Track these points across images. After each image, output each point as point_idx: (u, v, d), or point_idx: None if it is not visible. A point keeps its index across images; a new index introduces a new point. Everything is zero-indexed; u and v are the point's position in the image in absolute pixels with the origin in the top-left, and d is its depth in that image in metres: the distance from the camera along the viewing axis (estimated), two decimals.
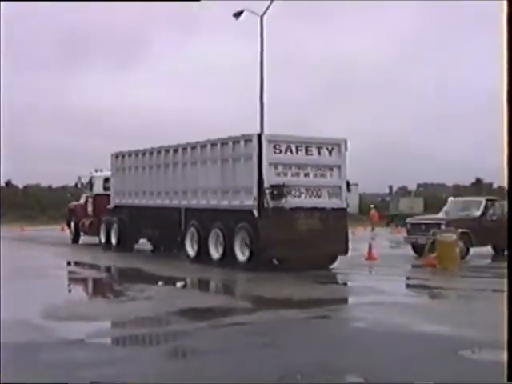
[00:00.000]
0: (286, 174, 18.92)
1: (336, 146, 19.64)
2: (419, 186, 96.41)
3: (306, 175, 19.26)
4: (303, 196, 19.11)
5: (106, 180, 29.01)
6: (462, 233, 21.77)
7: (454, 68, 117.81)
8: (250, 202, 18.72)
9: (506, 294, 3.20)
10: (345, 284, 18.31)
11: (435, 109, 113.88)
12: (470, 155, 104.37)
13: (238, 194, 19.35)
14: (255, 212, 18.52)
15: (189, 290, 15.94)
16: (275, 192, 18.41)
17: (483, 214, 24.88)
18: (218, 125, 75.64)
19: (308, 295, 14.18)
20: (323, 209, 19.24)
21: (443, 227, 22.47)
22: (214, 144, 20.61)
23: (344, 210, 19.77)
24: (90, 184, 30.71)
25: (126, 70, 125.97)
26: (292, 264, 18.87)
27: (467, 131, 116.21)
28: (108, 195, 27.69)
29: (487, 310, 12.60)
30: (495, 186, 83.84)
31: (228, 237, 19.50)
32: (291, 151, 19.06)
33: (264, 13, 32.38)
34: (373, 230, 41.85)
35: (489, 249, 25.68)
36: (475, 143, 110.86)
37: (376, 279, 18.37)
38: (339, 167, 19.67)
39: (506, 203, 25.88)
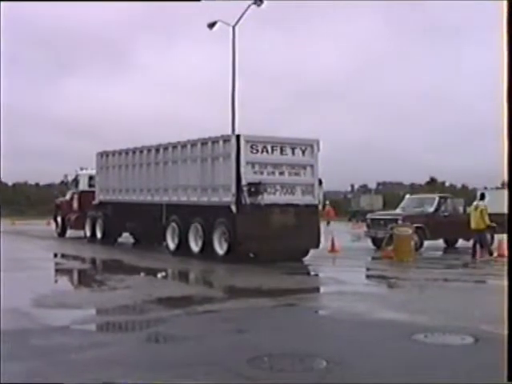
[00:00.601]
0: (262, 173, 18.82)
1: (309, 146, 19.56)
2: (379, 184, 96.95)
3: (281, 174, 19.16)
4: (278, 193, 19.01)
5: (91, 177, 28.72)
6: (416, 227, 21.96)
7: (413, 73, 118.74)
8: (228, 198, 18.57)
9: (506, 294, 3.20)
10: (310, 275, 18.30)
11: (394, 113, 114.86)
12: (425, 156, 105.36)
13: (217, 191, 19.20)
14: (233, 208, 18.37)
15: (166, 279, 15.90)
16: (252, 189, 18.30)
17: (436, 210, 25.07)
18: (194, 127, 75.67)
19: (277, 285, 14.21)
20: (297, 205, 19.13)
21: (400, 222, 22.61)
22: (194, 144, 20.46)
23: (316, 206, 19.69)
24: (76, 181, 30.47)
25: (110, 75, 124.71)
26: (267, 257, 18.75)
27: (423, 133, 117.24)
28: (93, 192, 27.39)
29: (439, 297, 12.75)
30: (447, 184, 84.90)
31: (207, 231, 19.37)
32: (267, 151, 18.96)
33: (236, 23, 32.36)
34: (328, 224, 41.87)
35: (441, 242, 25.95)
36: (430, 145, 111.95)
37: (338, 270, 18.37)
38: (312, 166, 19.61)
39: (457, 200, 26.14)
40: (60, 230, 31.43)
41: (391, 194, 73.60)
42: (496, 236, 24.93)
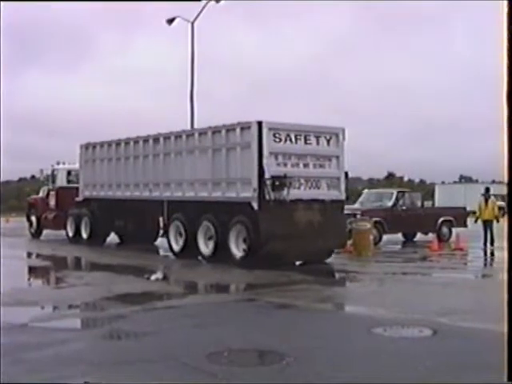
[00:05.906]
0: (286, 164, 16.63)
1: (334, 135, 17.47)
2: None
3: (306, 165, 17.02)
4: (302, 187, 16.86)
5: (69, 173, 26.96)
6: (375, 221, 21.96)
7: (374, 66, 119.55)
8: (248, 193, 16.26)
9: (506, 293, 3.22)
10: (269, 269, 18.27)
11: (353, 106, 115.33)
12: (383, 151, 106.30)
13: (233, 185, 16.85)
14: (255, 204, 16.06)
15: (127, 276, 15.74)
16: (277, 183, 16.11)
17: (394, 204, 25.05)
18: (155, 122, 75.00)
19: (236, 280, 14.19)
20: (322, 201, 17.11)
21: (359, 216, 22.74)
22: (202, 133, 18.19)
23: (342, 202, 17.84)
24: (53, 177, 27.48)
25: (65, 70, 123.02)
26: (290, 259, 16.83)
27: (382, 128, 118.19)
28: (72, 188, 25.07)
29: (397, 291, 12.85)
30: (406, 179, 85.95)
31: (221, 231, 17.05)
32: (291, 140, 16.75)
33: (195, 20, 32.18)
34: None
35: (399, 236, 26.25)
36: (388, 140, 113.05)
37: (298, 264, 18.38)
38: (337, 157, 17.57)
39: (414, 194, 26.44)
40: (34, 231, 28.18)
41: (350, 188, 73.89)
42: (454, 230, 25.48)
